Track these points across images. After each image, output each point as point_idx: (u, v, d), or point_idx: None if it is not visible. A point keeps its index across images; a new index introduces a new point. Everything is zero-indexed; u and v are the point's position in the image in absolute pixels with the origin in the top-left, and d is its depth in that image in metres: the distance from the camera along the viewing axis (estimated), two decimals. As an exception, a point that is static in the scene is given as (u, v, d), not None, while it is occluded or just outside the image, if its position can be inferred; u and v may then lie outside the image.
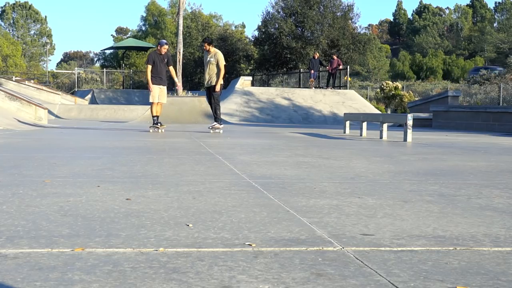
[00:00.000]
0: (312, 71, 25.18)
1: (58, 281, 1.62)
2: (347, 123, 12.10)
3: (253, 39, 38.31)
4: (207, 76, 10.97)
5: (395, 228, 2.43)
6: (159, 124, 11.03)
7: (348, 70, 26.36)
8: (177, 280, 1.65)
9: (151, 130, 10.89)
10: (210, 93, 11.09)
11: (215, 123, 10.97)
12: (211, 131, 10.81)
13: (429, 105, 19.75)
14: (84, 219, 2.49)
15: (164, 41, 11.43)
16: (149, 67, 10.96)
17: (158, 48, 11.16)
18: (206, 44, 11.01)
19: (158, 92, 10.97)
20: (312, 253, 1.99)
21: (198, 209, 2.80)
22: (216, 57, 10.88)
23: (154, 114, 11.11)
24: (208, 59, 10.98)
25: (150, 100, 11.11)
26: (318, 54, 26.43)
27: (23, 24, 69.69)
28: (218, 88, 10.86)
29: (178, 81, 11.48)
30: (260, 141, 8.80)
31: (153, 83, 10.93)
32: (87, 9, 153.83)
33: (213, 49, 11.01)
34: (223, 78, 11.12)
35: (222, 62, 10.91)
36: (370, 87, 39.73)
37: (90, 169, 4.44)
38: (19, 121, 13.36)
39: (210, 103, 11.31)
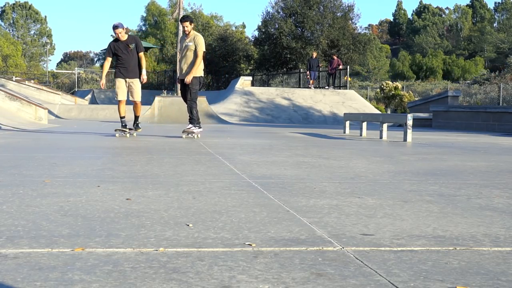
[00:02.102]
0: (309, 72, 25.17)
1: (58, 281, 1.62)
2: (347, 123, 12.11)
3: (253, 39, 38.33)
4: (183, 66, 8.65)
5: (395, 228, 2.43)
6: (128, 128, 9.17)
7: (348, 70, 26.38)
8: (177, 280, 1.65)
9: (117, 135, 9.09)
10: (185, 86, 8.73)
11: (190, 125, 8.74)
12: (183, 135, 8.73)
13: (429, 105, 19.76)
14: (84, 219, 2.49)
15: (116, 23, 8.95)
16: (108, 60, 9.17)
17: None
18: (187, 23, 8.47)
19: (123, 87, 8.99)
20: (312, 253, 1.99)
21: (198, 209, 2.80)
22: (196, 41, 8.48)
23: (121, 114, 9.17)
24: (185, 43, 8.61)
25: (116, 98, 9.19)
26: (316, 53, 26.44)
27: (23, 24, 69.73)
28: (189, 79, 8.43)
29: (144, 74, 9.05)
30: (260, 141, 8.80)
31: (116, 76, 9.04)
32: (87, 9, 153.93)
33: (193, 32, 8.60)
34: (201, 69, 8.67)
35: (201, 48, 8.52)
36: (370, 87, 39.74)
37: (90, 169, 4.44)
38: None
39: (185, 99, 8.87)
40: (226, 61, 38.23)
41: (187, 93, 8.63)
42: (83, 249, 1.98)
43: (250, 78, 27.41)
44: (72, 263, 1.80)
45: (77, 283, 1.61)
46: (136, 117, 9.35)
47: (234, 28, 50.90)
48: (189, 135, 8.71)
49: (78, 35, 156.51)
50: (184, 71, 8.60)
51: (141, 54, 9.09)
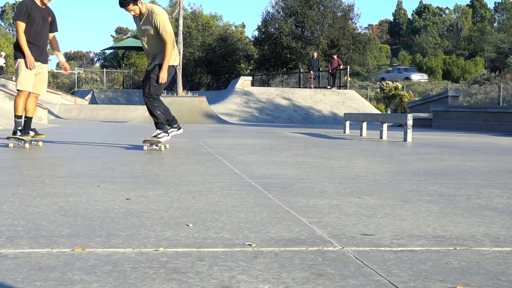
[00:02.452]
0: (312, 72, 25.20)
1: (58, 281, 1.62)
2: (347, 123, 12.11)
3: (253, 39, 38.38)
4: (149, 57, 6.34)
5: (395, 228, 2.43)
6: (28, 132, 6.53)
7: (348, 70, 26.38)
8: (177, 280, 1.65)
9: (11, 145, 6.45)
10: (148, 76, 6.23)
11: (156, 131, 6.28)
12: (145, 146, 6.30)
13: (429, 105, 19.76)
14: (84, 219, 2.49)
15: None
16: (22, 25, 6.29)
17: None
18: (130, 6, 6.04)
19: (33, 75, 6.41)
20: (312, 253, 1.99)
21: (198, 209, 2.80)
22: (155, 21, 6.06)
23: (20, 112, 6.49)
24: (142, 28, 6.20)
25: (19, 87, 6.40)
26: (317, 54, 26.46)
27: (23, 24, 69.57)
28: (163, 76, 6.08)
29: (65, 61, 6.81)
30: (260, 141, 8.80)
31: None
32: (87, 9, 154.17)
33: (145, 9, 6.12)
34: (174, 58, 6.22)
35: (166, 29, 6.10)
36: (370, 87, 39.74)
37: (90, 169, 4.44)
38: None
39: (144, 94, 6.26)
40: (226, 61, 38.26)
41: (145, 86, 6.22)
42: (83, 249, 1.98)
43: (250, 78, 27.43)
44: (72, 263, 1.80)
45: (77, 283, 1.61)
46: (30, 119, 6.62)
47: (234, 28, 50.91)
48: (153, 145, 6.28)
49: (78, 35, 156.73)
50: (151, 63, 6.29)
51: (53, 36, 6.74)
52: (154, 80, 6.15)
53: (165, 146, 6.42)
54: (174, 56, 6.25)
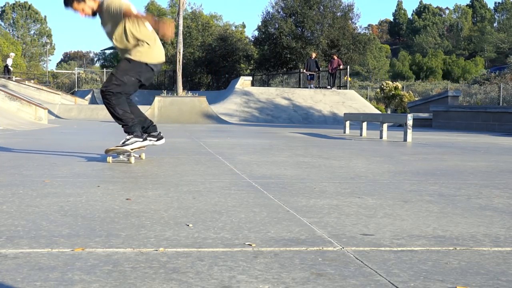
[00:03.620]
0: (308, 71, 25.18)
1: (58, 281, 1.62)
2: (347, 123, 12.11)
3: (253, 39, 38.38)
4: (120, 49, 4.94)
5: (395, 228, 2.43)
6: None
7: (348, 70, 26.39)
8: (177, 280, 1.65)
9: None
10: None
11: (129, 137, 4.90)
12: (109, 158, 4.94)
13: (429, 105, 19.76)
14: (84, 219, 2.49)
15: None
16: None
17: None
18: (75, 5, 4.73)
19: None
20: (312, 253, 1.99)
21: (198, 209, 2.79)
22: (107, 8, 4.68)
23: None
24: (105, 28, 4.86)
25: None
26: (315, 54, 26.44)
27: (23, 24, 69.76)
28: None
29: None
30: (260, 141, 8.80)
31: None
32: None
33: (97, 5, 4.78)
34: (150, 52, 4.85)
35: (121, 5, 4.60)
36: (370, 87, 39.76)
37: (90, 169, 4.44)
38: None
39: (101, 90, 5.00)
40: (226, 61, 38.25)
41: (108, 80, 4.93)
42: (83, 249, 1.98)
43: (250, 78, 27.44)
44: (72, 263, 1.80)
45: (77, 283, 1.61)
46: None
47: (234, 28, 50.91)
48: (121, 156, 5.00)
49: (78, 35, 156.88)
50: (123, 54, 4.92)
51: None
52: (117, 73, 4.84)
53: (140, 156, 5.18)
54: (154, 54, 4.89)
